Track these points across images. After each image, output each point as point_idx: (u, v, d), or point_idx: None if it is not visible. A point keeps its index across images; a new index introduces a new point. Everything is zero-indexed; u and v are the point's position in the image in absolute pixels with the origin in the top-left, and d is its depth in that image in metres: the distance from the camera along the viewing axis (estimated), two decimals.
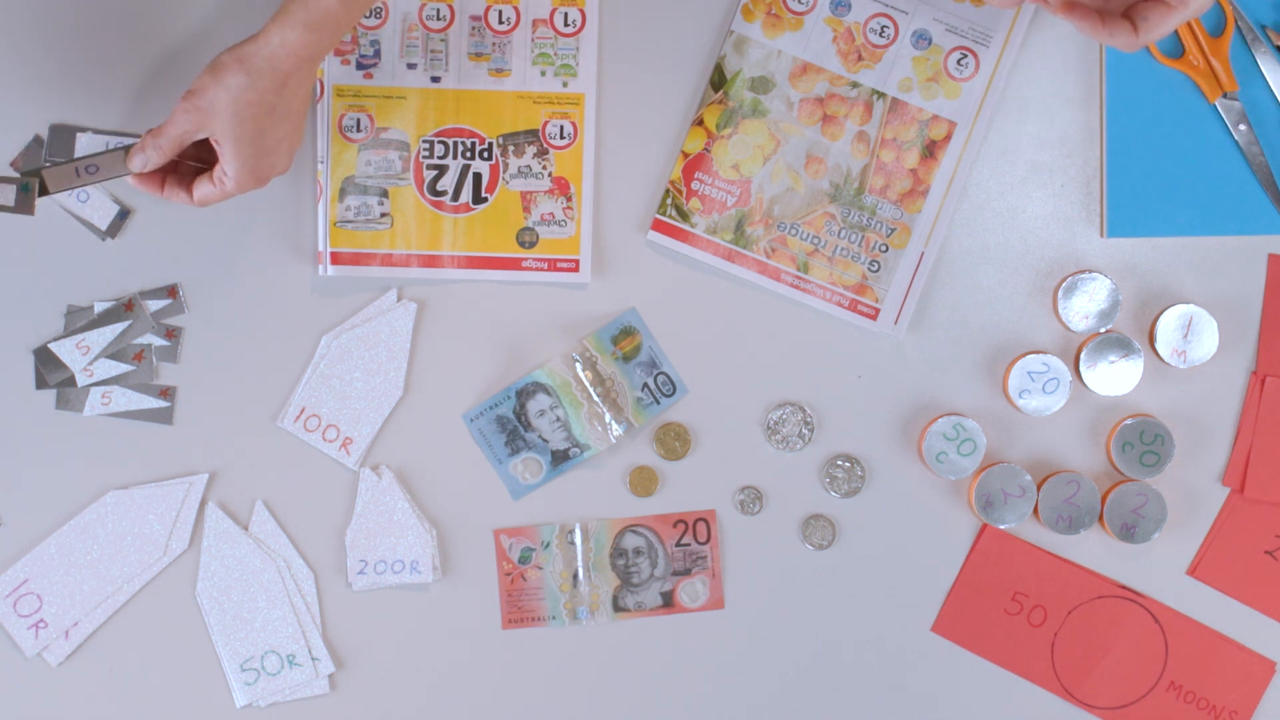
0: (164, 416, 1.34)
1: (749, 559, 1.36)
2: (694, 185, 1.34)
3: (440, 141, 1.34)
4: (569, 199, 1.34)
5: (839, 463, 1.35)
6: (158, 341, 1.34)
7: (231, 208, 1.33)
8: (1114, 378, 1.34)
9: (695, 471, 1.36)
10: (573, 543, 1.35)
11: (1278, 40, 1.33)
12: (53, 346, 1.33)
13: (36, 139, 1.32)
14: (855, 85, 1.33)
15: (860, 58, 1.33)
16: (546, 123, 1.34)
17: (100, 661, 1.35)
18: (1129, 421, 1.34)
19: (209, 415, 1.34)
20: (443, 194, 1.34)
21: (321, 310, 1.35)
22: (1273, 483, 1.35)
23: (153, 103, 1.32)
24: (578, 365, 1.34)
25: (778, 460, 1.36)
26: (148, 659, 1.35)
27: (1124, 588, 1.36)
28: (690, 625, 1.36)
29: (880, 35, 1.33)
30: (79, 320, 1.34)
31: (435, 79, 1.33)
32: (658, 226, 1.34)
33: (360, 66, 1.33)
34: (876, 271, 1.34)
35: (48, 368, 1.33)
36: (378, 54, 1.33)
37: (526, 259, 1.34)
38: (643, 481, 1.35)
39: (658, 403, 1.35)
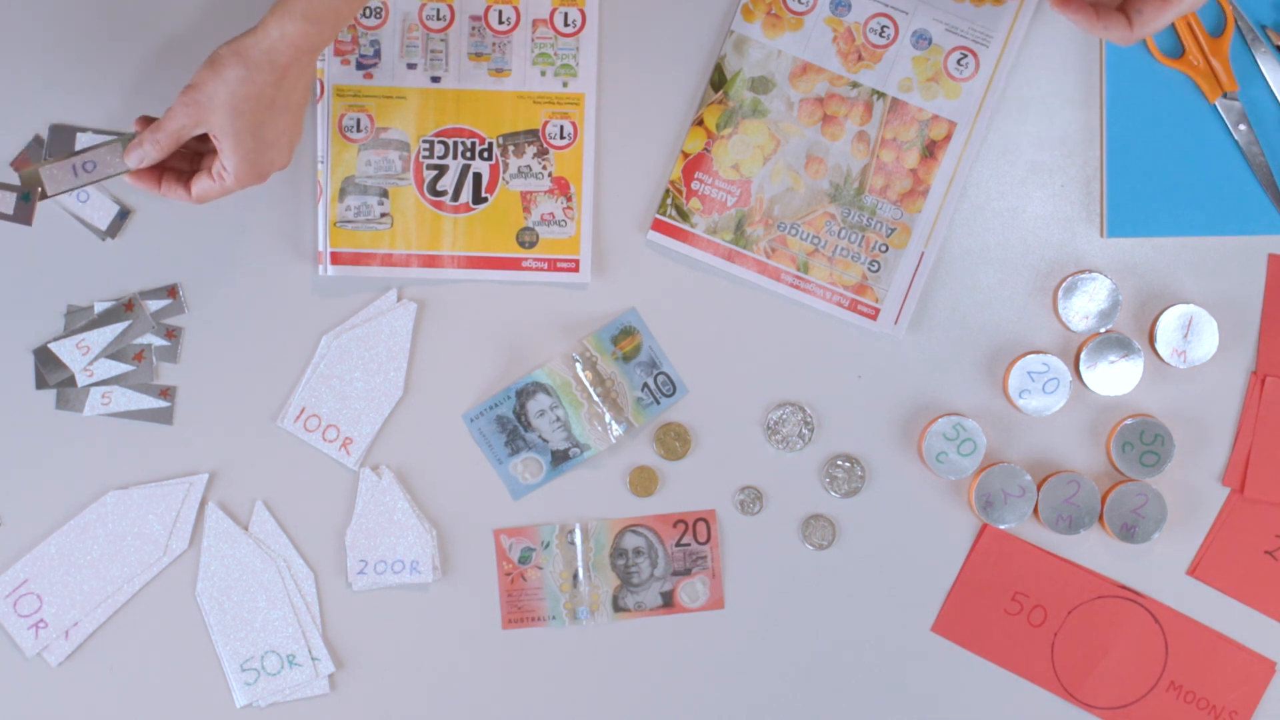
0: (164, 416, 1.34)
1: (749, 559, 1.36)
2: (694, 185, 1.34)
3: (440, 141, 1.34)
4: (569, 199, 1.34)
5: (839, 463, 1.35)
6: (158, 341, 1.34)
7: (231, 207, 1.33)
8: (1114, 378, 1.34)
9: (695, 471, 1.36)
10: (573, 543, 1.35)
11: (1278, 40, 1.33)
12: (53, 346, 1.33)
13: (36, 139, 1.32)
14: (855, 85, 1.33)
15: (860, 58, 1.33)
16: (546, 123, 1.34)
17: (100, 661, 1.35)
18: (1129, 421, 1.34)
19: (209, 415, 1.34)
20: (443, 194, 1.34)
21: (321, 310, 1.35)
22: (1273, 483, 1.35)
23: (153, 102, 1.32)
24: (578, 365, 1.34)
25: (778, 460, 1.36)
26: (148, 659, 1.35)
27: (1124, 588, 1.36)
28: (690, 625, 1.36)
29: (880, 35, 1.33)
30: (79, 320, 1.33)
31: (435, 79, 1.33)
32: (658, 226, 1.34)
33: (360, 66, 1.33)
34: (876, 271, 1.34)
35: (48, 368, 1.33)
36: (378, 54, 1.33)
37: (526, 259, 1.34)
38: (643, 481, 1.35)
39: (658, 403, 1.35)
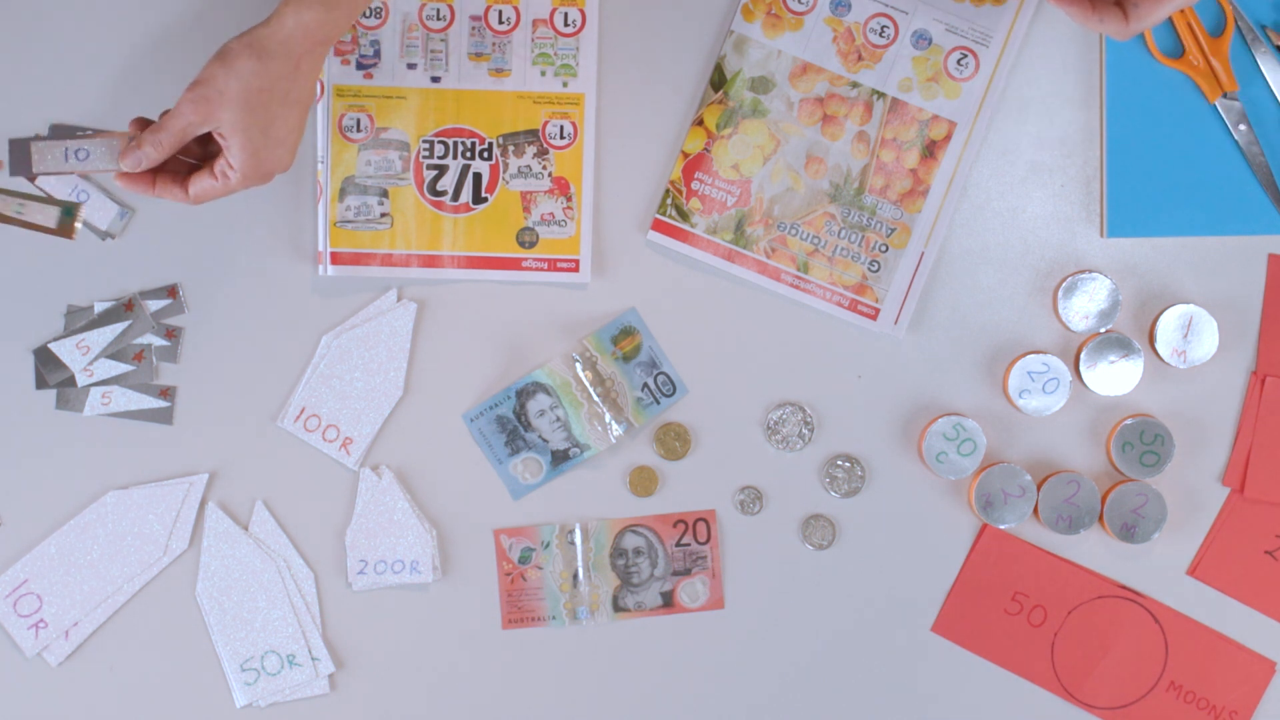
0: (164, 416, 1.34)
1: (749, 559, 1.36)
2: (694, 185, 1.34)
3: (440, 141, 1.34)
4: (569, 199, 1.34)
5: (839, 463, 1.35)
6: (158, 341, 1.34)
7: (232, 207, 1.33)
8: (1114, 378, 1.34)
9: (695, 471, 1.36)
10: (573, 543, 1.35)
11: (1278, 40, 1.33)
12: (53, 346, 1.33)
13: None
14: (855, 85, 1.33)
15: (860, 58, 1.33)
16: (546, 123, 1.34)
17: (100, 661, 1.35)
18: (1129, 421, 1.34)
19: (209, 415, 1.34)
20: (443, 194, 1.34)
21: (321, 310, 1.35)
22: (1273, 483, 1.35)
23: (152, 102, 1.32)
24: (578, 365, 1.34)
25: (778, 460, 1.36)
26: (148, 659, 1.35)
27: (1124, 588, 1.36)
28: (690, 625, 1.36)
29: (880, 35, 1.33)
30: (79, 320, 1.33)
31: (435, 79, 1.33)
32: (658, 226, 1.34)
33: (360, 66, 1.33)
34: (876, 271, 1.34)
35: (48, 368, 1.33)
36: (378, 54, 1.33)
37: (526, 259, 1.34)
38: (643, 481, 1.35)
39: (658, 403, 1.35)
